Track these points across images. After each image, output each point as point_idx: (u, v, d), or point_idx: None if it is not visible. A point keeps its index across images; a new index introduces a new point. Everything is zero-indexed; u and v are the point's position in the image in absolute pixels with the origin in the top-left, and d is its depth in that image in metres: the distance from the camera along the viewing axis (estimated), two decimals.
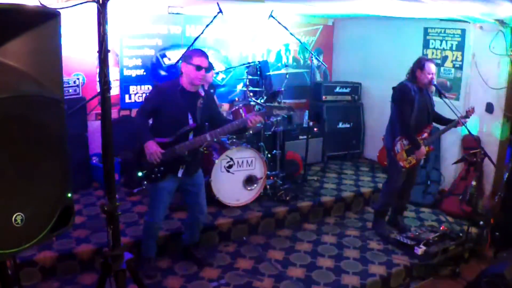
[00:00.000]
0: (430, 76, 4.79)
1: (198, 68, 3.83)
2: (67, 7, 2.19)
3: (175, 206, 5.22)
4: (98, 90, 2.31)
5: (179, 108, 3.89)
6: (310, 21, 8.00)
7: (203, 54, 3.93)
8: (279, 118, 5.93)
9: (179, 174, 4.01)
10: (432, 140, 5.06)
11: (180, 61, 3.91)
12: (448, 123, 5.06)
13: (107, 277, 2.59)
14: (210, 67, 6.06)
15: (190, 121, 3.94)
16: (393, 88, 4.97)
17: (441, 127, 5.21)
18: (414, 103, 4.80)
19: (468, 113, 5.01)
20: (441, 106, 5.05)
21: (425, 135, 4.96)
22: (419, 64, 4.83)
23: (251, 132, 5.58)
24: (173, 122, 3.90)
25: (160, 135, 3.89)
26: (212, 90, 6.20)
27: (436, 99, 5.12)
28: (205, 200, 4.37)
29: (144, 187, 5.56)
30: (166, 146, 3.87)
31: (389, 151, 5.07)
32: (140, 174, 3.93)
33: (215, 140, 4.12)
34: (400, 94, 4.88)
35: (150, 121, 4.15)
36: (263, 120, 4.07)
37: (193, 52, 3.94)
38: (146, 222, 4.20)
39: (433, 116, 5.10)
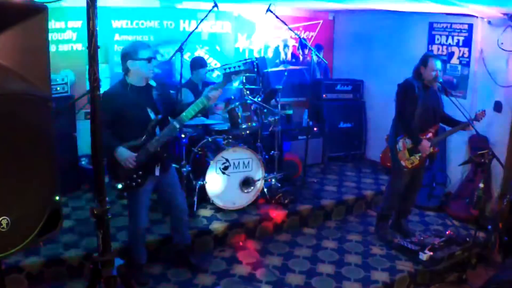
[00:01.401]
0: (434, 73, 4.80)
1: (150, 60, 3.82)
2: (55, 1, 2.20)
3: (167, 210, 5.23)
4: (88, 88, 2.32)
5: (136, 107, 3.86)
6: (309, 16, 8.01)
7: (146, 45, 3.93)
8: (277, 118, 5.94)
9: (157, 173, 4.02)
10: (438, 141, 5.07)
11: (126, 60, 3.83)
12: (456, 125, 5.07)
13: (97, 284, 2.59)
14: (204, 64, 6.09)
15: (152, 116, 3.92)
16: (398, 85, 5.01)
17: (449, 129, 5.23)
18: (418, 101, 4.82)
19: (478, 117, 4.99)
20: (447, 104, 5.07)
21: (430, 135, 4.98)
22: (423, 61, 4.86)
23: (247, 132, 5.60)
24: (135, 122, 3.86)
25: (126, 140, 3.85)
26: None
27: (442, 97, 5.14)
28: (184, 197, 4.39)
29: None
30: (136, 149, 3.86)
31: (391, 150, 5.10)
32: (119, 186, 3.90)
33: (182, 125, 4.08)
34: (403, 90, 4.92)
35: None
36: (220, 93, 4.05)
37: (135, 47, 3.88)
38: (130, 230, 4.21)
39: (441, 117, 5.12)
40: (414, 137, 4.90)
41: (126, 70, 3.89)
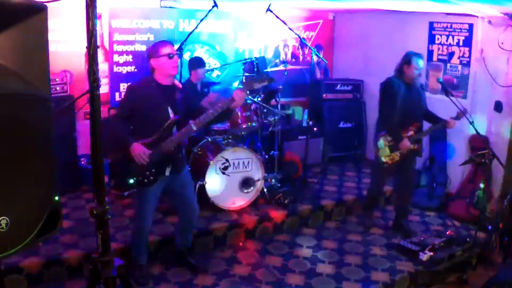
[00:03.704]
0: (417, 72, 4.94)
1: (170, 56, 3.85)
2: (54, 1, 2.19)
3: (168, 210, 5.23)
4: (87, 87, 2.31)
5: (158, 104, 3.89)
6: (309, 15, 8.01)
7: (167, 42, 3.98)
8: (276, 118, 5.94)
9: (167, 173, 4.02)
10: (418, 138, 5.16)
11: (150, 59, 3.91)
12: (438, 123, 5.17)
13: (96, 284, 2.59)
14: (202, 64, 6.08)
15: (171, 115, 3.95)
16: (380, 83, 5.15)
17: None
18: (398, 98, 4.94)
19: (459, 115, 5.10)
20: (448, 104, 5.08)
21: (411, 132, 5.10)
22: (406, 59, 5.00)
23: (246, 132, 5.60)
24: (154, 120, 3.89)
25: (142, 137, 3.87)
26: (206, 89, 6.21)
27: (442, 97, 5.14)
28: (196, 199, 4.38)
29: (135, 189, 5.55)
30: (151, 146, 3.87)
31: (374, 146, 5.26)
32: (131, 181, 3.92)
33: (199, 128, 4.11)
34: (383, 88, 5.09)
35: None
36: (245, 95, 4.08)
37: (156, 46, 3.93)
38: (135, 230, 4.22)
39: (424, 114, 5.24)
40: (395, 135, 5.03)
41: (152, 69, 3.94)
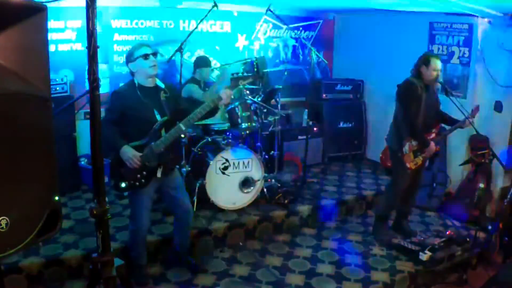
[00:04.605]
0: (435, 73, 4.77)
1: (145, 56, 3.84)
2: (54, 1, 2.19)
3: (167, 210, 5.22)
4: (87, 87, 2.32)
5: (143, 107, 3.88)
6: (309, 15, 8.01)
7: (142, 43, 4.00)
8: (277, 118, 5.94)
9: (158, 174, 4.01)
10: (440, 140, 5.07)
11: (127, 64, 3.93)
12: (454, 123, 5.06)
13: (97, 284, 2.59)
14: (208, 63, 6.07)
15: (158, 117, 3.94)
16: (398, 85, 4.96)
17: (448, 127, 5.22)
18: (421, 101, 4.79)
19: (473, 112, 4.99)
20: (447, 104, 5.07)
21: (433, 135, 4.97)
22: (424, 60, 4.80)
23: (247, 132, 5.59)
24: (142, 123, 3.89)
25: (132, 140, 3.87)
26: (207, 88, 6.21)
27: (442, 97, 5.13)
28: (188, 199, 4.38)
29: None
30: (141, 149, 3.87)
31: (394, 152, 5.03)
32: (123, 185, 3.91)
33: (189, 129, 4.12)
34: (406, 91, 4.85)
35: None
36: (232, 93, 4.10)
37: (131, 48, 3.95)
38: (131, 231, 4.21)
39: (440, 116, 5.12)
40: (422, 139, 4.85)
41: (132, 74, 3.95)
